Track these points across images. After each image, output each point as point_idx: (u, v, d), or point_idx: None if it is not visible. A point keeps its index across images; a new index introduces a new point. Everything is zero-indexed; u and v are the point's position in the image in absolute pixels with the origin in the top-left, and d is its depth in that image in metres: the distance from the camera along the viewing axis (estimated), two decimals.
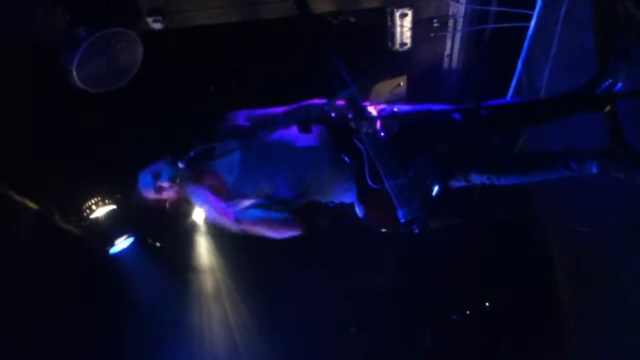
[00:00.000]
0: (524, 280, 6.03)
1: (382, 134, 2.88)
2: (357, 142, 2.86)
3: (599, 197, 3.80)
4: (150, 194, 2.96)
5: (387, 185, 2.87)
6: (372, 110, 2.96)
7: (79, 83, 3.59)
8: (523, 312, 6.26)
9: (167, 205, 3.08)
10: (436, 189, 2.92)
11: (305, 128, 2.89)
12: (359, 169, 2.90)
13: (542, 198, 5.28)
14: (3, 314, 4.26)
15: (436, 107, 3.17)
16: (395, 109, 3.06)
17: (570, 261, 5.03)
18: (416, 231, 2.92)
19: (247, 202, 3.06)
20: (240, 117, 3.18)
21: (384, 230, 3.05)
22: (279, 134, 3.05)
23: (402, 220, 2.90)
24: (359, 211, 2.99)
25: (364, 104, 2.91)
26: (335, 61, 2.80)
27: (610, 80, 3.13)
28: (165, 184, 2.90)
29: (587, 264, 4.55)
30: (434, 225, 2.98)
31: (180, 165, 2.78)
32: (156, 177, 2.93)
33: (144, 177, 2.97)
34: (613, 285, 4.06)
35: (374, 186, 2.86)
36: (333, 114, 2.97)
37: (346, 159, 2.92)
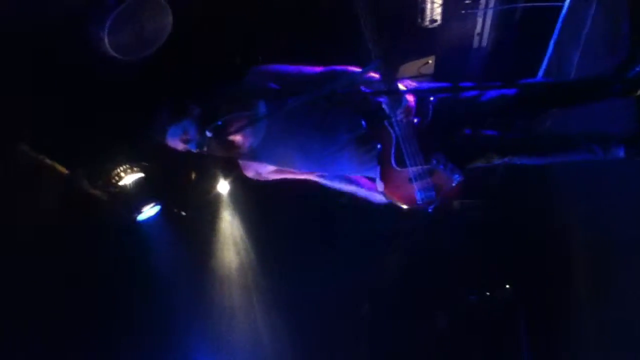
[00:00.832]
0: (541, 266, 6.01)
1: (416, 120, 2.91)
2: (387, 124, 2.89)
3: (616, 184, 3.77)
4: (177, 144, 3.04)
5: (409, 169, 2.93)
6: (404, 88, 2.96)
7: (110, 50, 3.63)
8: (539, 297, 6.25)
9: (193, 176, 3.15)
10: (455, 179, 2.99)
11: (331, 99, 2.93)
12: (385, 150, 2.94)
13: (560, 182, 5.24)
14: (28, 283, 4.34)
15: (463, 85, 3.17)
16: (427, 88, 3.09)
17: (586, 250, 5.00)
18: (429, 211, 3.07)
19: (266, 167, 3.16)
20: (270, 76, 3.17)
21: (402, 205, 3.10)
22: (304, 107, 3.07)
23: (418, 202, 3.01)
24: (379, 186, 3.04)
25: (397, 81, 2.91)
26: (369, 28, 2.79)
27: None
28: (192, 145, 2.98)
29: (603, 253, 4.52)
30: (449, 209, 3.13)
31: (208, 134, 2.82)
32: (185, 133, 3.00)
33: (173, 130, 3.02)
34: (629, 275, 4.04)
35: (398, 168, 2.92)
36: (364, 88, 2.98)
37: (374, 142, 2.98)
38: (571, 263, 5.37)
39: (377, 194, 3.14)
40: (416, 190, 2.99)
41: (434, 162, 2.97)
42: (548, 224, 5.76)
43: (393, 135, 2.88)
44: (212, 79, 4.41)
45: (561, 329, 5.82)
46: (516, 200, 6.23)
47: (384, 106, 2.84)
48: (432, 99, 3.03)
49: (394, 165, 2.94)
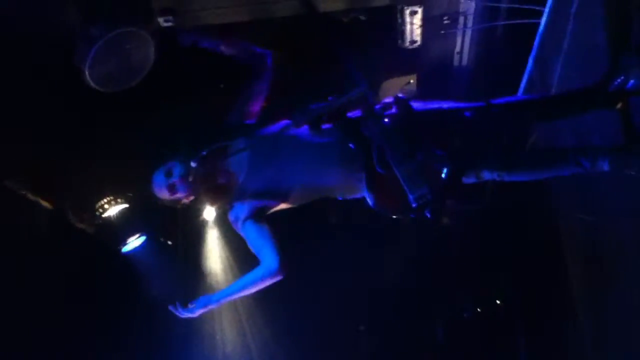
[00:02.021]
0: (535, 276, 6.02)
1: (387, 120, 2.88)
2: (363, 130, 2.85)
3: (612, 189, 3.79)
4: (164, 194, 2.98)
5: (395, 170, 2.81)
6: (379, 103, 2.96)
7: (91, 82, 3.62)
8: (535, 309, 6.25)
9: (179, 205, 3.10)
10: (445, 171, 2.87)
11: (314, 123, 2.90)
12: (366, 156, 2.88)
13: (554, 188, 5.27)
14: (16, 312, 4.29)
15: (446, 104, 3.17)
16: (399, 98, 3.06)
17: (582, 257, 5.02)
18: (428, 216, 2.83)
19: (257, 203, 3.08)
20: (249, 112, 3.20)
21: (395, 216, 3.01)
22: (288, 133, 3.06)
23: (413, 205, 2.81)
24: (369, 199, 2.97)
25: (372, 99, 2.92)
26: (345, 58, 2.80)
27: (622, 77, 3.11)
28: (177, 182, 2.92)
29: (599, 259, 4.53)
30: (447, 212, 2.95)
31: (193, 164, 2.79)
32: (168, 174, 2.95)
33: (157, 176, 2.99)
34: (625, 280, 4.05)
35: (382, 172, 2.81)
36: (340, 110, 2.97)
37: (352, 146, 2.91)
38: (564, 273, 5.39)
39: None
40: (408, 194, 2.82)
41: (420, 156, 2.84)
42: (542, 231, 5.79)
43: (370, 136, 2.83)
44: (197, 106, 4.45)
45: (557, 338, 5.83)
46: (510, 207, 6.26)
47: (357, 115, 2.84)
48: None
49: (378, 169, 2.87)
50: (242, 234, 3.14)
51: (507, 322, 6.87)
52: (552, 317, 5.93)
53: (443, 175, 2.86)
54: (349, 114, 2.96)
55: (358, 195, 3.06)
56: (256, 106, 3.32)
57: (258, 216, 3.05)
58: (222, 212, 5.50)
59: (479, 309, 7.12)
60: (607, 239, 4.23)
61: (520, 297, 6.75)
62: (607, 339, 4.58)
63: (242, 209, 3.06)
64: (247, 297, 6.39)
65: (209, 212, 5.46)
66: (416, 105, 3.10)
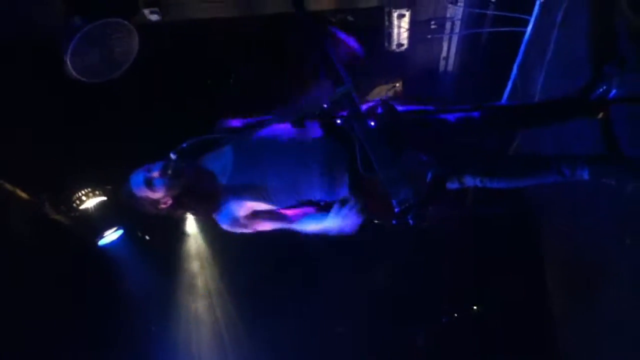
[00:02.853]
0: (515, 282, 6.04)
1: (372, 122, 2.86)
2: (348, 130, 2.83)
3: (592, 198, 3.82)
4: (142, 191, 2.90)
5: (379, 172, 2.78)
6: (363, 104, 2.95)
7: (73, 73, 3.57)
8: (514, 314, 6.28)
9: (163, 211, 3.02)
10: (429, 175, 2.86)
11: (298, 122, 2.89)
12: (350, 158, 2.86)
13: (535, 196, 5.30)
14: None
15: (431, 108, 3.17)
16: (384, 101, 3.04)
17: (561, 264, 5.05)
18: (410, 222, 2.77)
19: (241, 204, 3.03)
20: (235, 121, 3.16)
21: (377, 221, 2.98)
22: (270, 131, 3.03)
23: (396, 210, 2.75)
24: (350, 202, 2.93)
25: (355, 99, 2.91)
26: (330, 57, 2.78)
27: (604, 87, 3.13)
28: (156, 174, 2.85)
29: (578, 267, 4.57)
30: (429, 217, 2.89)
31: (172, 156, 2.74)
32: (147, 170, 2.89)
33: (136, 175, 2.92)
34: (604, 288, 4.08)
35: (366, 174, 2.78)
36: (323, 109, 2.95)
37: (338, 152, 2.89)
38: (543, 280, 5.42)
39: (348, 220, 2.99)
40: (391, 198, 2.75)
41: (403, 158, 2.81)
42: (523, 236, 5.82)
43: (355, 141, 2.82)
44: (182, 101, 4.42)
45: (535, 345, 5.86)
46: (490, 213, 6.30)
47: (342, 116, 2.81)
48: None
49: (361, 171, 2.84)
50: (245, 230, 3.05)
51: (485, 328, 6.90)
52: (530, 324, 5.96)
53: (427, 180, 2.86)
54: (333, 114, 2.95)
55: (337, 196, 3.03)
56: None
57: (250, 212, 3.01)
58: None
59: (455, 314, 7.15)
60: (588, 253, 4.27)
61: (498, 304, 6.79)
62: (586, 346, 4.61)
63: (231, 210, 3.01)
64: (226, 300, 6.45)
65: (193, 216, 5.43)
66: (401, 108, 3.10)
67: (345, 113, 2.89)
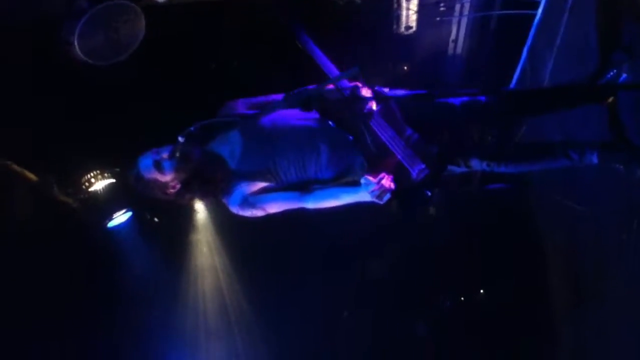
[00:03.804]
0: (518, 270, 6.05)
1: (379, 105, 2.88)
2: (355, 113, 2.85)
3: (598, 185, 3.80)
4: (151, 173, 2.91)
5: (392, 148, 2.83)
6: (366, 91, 2.95)
7: (80, 55, 3.57)
8: (517, 302, 6.29)
9: (172, 195, 3.02)
10: (435, 151, 2.92)
11: (305, 106, 2.90)
12: (360, 141, 2.88)
13: (541, 183, 5.29)
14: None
15: (435, 92, 3.16)
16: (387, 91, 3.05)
17: (565, 253, 5.04)
18: (428, 193, 2.91)
19: (250, 186, 3.03)
20: (241, 104, 3.15)
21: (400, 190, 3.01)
22: (278, 115, 3.04)
23: (414, 176, 2.84)
24: (366, 180, 2.96)
25: (354, 83, 2.91)
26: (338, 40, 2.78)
27: (614, 72, 3.11)
28: (165, 156, 2.86)
29: (583, 256, 4.56)
30: (448, 182, 2.96)
31: (180, 139, 2.74)
32: (156, 153, 2.90)
33: (144, 158, 2.93)
34: (608, 279, 4.08)
35: (378, 153, 2.82)
36: (330, 94, 2.95)
37: (345, 133, 2.91)
38: (547, 268, 5.42)
39: (365, 194, 3.01)
40: (408, 167, 2.83)
41: (409, 132, 2.90)
42: (526, 226, 5.81)
43: (361, 123, 2.83)
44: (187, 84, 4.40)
45: (537, 334, 5.87)
46: (493, 203, 6.29)
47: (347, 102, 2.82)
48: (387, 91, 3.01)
49: (372, 150, 2.87)
50: (255, 212, 3.06)
51: (487, 314, 6.92)
52: (530, 316, 5.97)
53: (434, 156, 2.90)
54: (341, 97, 2.95)
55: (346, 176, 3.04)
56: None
57: (256, 191, 3.02)
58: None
59: (462, 298, 7.16)
60: (594, 241, 4.26)
61: (502, 299, 6.81)
62: (590, 340, 4.62)
63: (241, 192, 3.02)
64: (234, 283, 6.48)
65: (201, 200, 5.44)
66: (410, 92, 3.10)
67: (351, 96, 2.90)
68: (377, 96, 2.95)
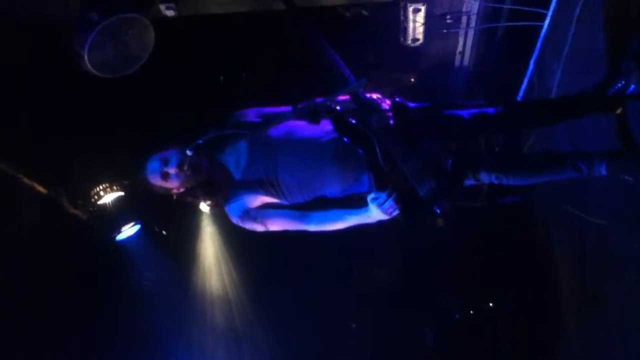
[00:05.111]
0: (527, 281, 6.02)
1: (391, 121, 2.87)
2: (363, 126, 2.84)
3: (605, 196, 3.79)
4: (157, 180, 2.94)
5: (402, 166, 2.81)
6: (377, 100, 2.94)
7: (89, 67, 3.59)
8: (525, 313, 6.25)
9: (174, 196, 3.05)
10: (449, 163, 2.89)
11: (313, 119, 2.89)
12: (367, 154, 2.86)
13: (549, 194, 5.26)
14: (7, 298, 4.27)
15: (442, 104, 3.16)
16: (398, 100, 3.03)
17: (574, 263, 5.02)
18: (437, 212, 2.80)
19: (253, 198, 3.03)
20: (251, 114, 3.16)
21: (405, 212, 2.97)
22: (286, 127, 3.03)
23: (422, 195, 2.80)
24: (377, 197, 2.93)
25: (369, 95, 2.90)
26: (334, 55, 2.79)
27: (622, 82, 3.10)
28: (172, 170, 2.88)
29: (590, 266, 4.53)
30: (454, 205, 2.90)
31: (188, 152, 2.75)
32: (164, 162, 2.92)
33: (152, 163, 2.95)
34: (616, 289, 4.05)
35: (387, 169, 2.79)
36: (339, 107, 2.95)
37: (355, 146, 2.89)
38: (556, 279, 5.39)
39: (371, 215, 2.98)
40: (416, 187, 2.79)
41: (423, 150, 2.84)
42: (532, 236, 5.79)
43: (373, 137, 2.82)
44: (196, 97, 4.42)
45: (545, 344, 5.84)
46: (502, 214, 6.27)
47: (356, 114, 2.81)
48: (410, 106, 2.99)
49: (383, 165, 2.85)
50: (255, 226, 3.05)
51: (495, 326, 6.89)
52: (540, 327, 5.94)
53: (447, 168, 2.88)
54: (348, 110, 2.95)
55: (352, 190, 3.03)
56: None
57: (259, 205, 3.01)
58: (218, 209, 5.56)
59: (471, 311, 7.13)
60: (601, 252, 4.23)
61: (511, 310, 6.77)
62: (599, 352, 4.58)
63: (243, 203, 3.02)
64: (241, 293, 6.47)
65: (205, 204, 5.45)
66: (417, 104, 3.09)
67: (358, 108, 2.89)
68: (395, 107, 2.94)
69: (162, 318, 5.75)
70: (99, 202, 4.48)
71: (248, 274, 6.43)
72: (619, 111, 3.07)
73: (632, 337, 3.81)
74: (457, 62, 5.79)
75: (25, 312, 4.48)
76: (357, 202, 2.89)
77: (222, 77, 5.14)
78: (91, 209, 4.43)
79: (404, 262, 6.88)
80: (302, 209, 3.01)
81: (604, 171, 2.92)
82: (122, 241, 4.96)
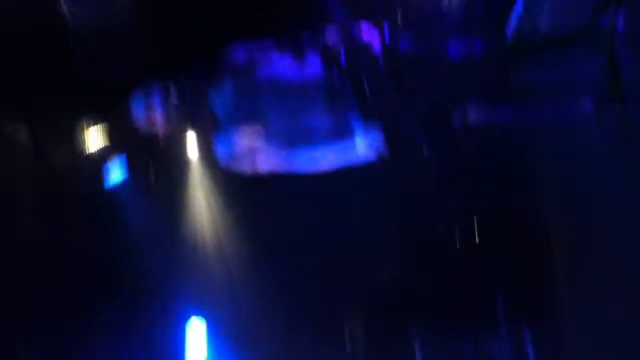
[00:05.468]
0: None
1: (376, 56, 2.88)
2: (350, 64, 2.86)
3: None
4: (141, 113, 2.95)
5: (386, 102, 2.84)
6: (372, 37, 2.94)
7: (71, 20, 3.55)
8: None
9: (160, 134, 3.06)
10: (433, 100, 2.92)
11: (299, 54, 2.89)
12: (355, 92, 2.89)
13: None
14: None
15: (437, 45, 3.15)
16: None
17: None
18: (425, 152, 2.94)
19: (238, 137, 3.05)
20: (237, 48, 3.15)
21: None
22: (271, 66, 3.04)
23: (409, 136, 2.93)
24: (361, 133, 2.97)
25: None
26: None
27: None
28: (156, 102, 2.88)
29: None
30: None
31: (173, 85, 2.76)
32: (149, 97, 2.92)
33: (137, 98, 2.96)
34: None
35: (375, 104, 2.84)
36: (329, 44, 2.95)
37: (339, 81, 2.92)
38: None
39: (357, 148, 3.01)
40: (401, 120, 2.94)
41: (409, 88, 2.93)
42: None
43: (362, 77, 2.84)
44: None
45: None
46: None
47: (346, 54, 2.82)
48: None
49: (370, 103, 2.88)
50: (242, 165, 3.08)
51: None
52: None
53: (430, 105, 2.91)
54: (336, 48, 2.95)
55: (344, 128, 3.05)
56: None
57: (248, 146, 3.04)
58: (206, 152, 5.55)
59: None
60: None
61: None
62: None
63: (228, 143, 3.05)
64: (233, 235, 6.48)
65: (192, 151, 5.44)
66: (406, 44, 3.09)
67: (347, 47, 2.90)
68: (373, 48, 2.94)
69: (153, 265, 5.82)
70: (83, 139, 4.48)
71: (239, 221, 6.46)
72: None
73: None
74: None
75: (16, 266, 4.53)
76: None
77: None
78: (76, 146, 4.44)
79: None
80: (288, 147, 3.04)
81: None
82: (109, 186, 4.99)
